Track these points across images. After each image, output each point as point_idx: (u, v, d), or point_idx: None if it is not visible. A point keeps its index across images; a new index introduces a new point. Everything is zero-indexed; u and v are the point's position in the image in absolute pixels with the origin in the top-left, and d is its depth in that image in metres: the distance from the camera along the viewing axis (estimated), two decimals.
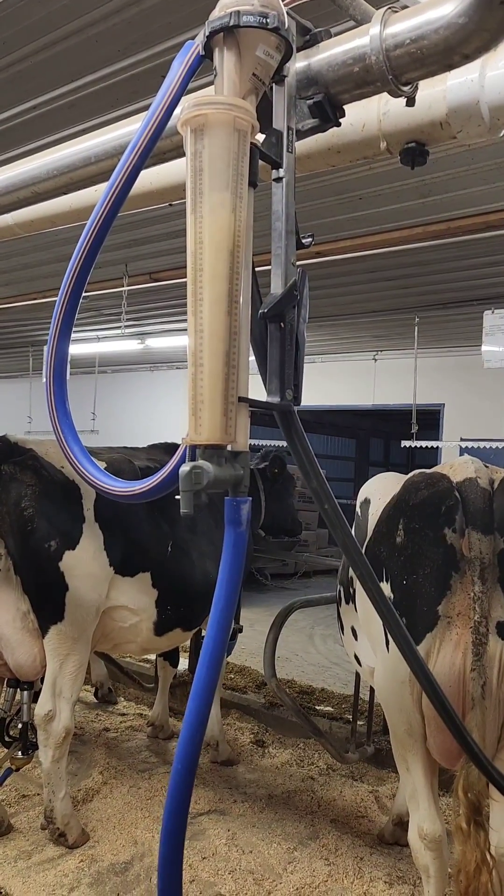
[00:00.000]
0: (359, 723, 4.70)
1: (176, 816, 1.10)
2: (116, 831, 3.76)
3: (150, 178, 1.99)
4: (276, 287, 1.18)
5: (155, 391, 12.32)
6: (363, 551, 2.86)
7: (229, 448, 1.08)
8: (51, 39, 2.92)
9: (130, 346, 9.41)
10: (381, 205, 4.59)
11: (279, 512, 5.50)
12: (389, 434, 18.86)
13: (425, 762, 2.69)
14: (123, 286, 6.01)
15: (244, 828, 3.82)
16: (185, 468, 1.05)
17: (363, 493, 3.06)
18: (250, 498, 1.09)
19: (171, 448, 4.61)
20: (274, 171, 1.22)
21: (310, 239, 1.25)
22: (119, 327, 7.61)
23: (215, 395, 1.04)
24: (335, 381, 10.99)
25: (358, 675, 4.36)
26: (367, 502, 2.98)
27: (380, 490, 2.95)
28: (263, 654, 3.85)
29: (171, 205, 2.15)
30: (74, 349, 8.96)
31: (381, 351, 9.99)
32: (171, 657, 5.09)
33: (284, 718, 5.19)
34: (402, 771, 2.78)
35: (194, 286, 1.07)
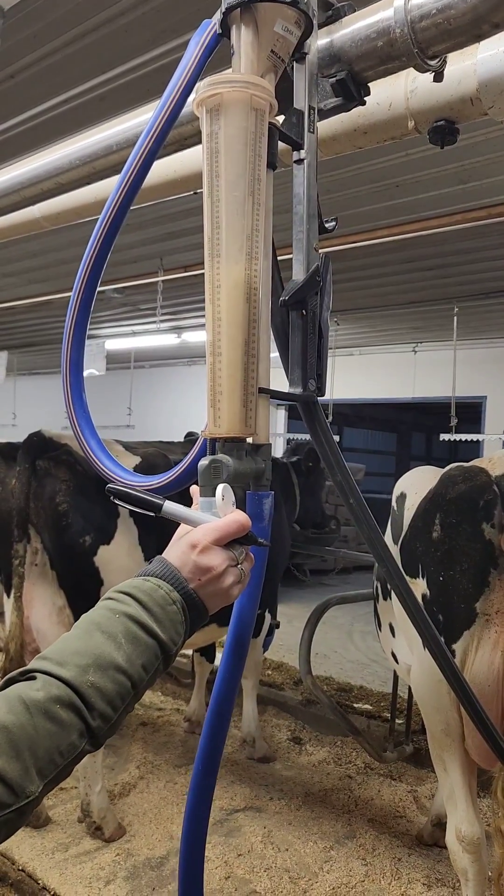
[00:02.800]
0: (397, 721, 4.62)
1: (199, 805, 1.07)
2: (153, 826, 3.76)
3: (174, 166, 1.96)
4: (298, 273, 1.13)
5: (192, 385, 12.33)
6: (399, 546, 2.80)
7: (250, 441, 1.04)
8: (80, 31, 2.90)
9: (167, 340, 9.42)
10: (419, 192, 4.48)
11: (311, 505, 5.44)
12: (431, 428, 18.60)
13: (463, 762, 2.62)
14: (159, 279, 6.00)
15: (280, 825, 3.79)
16: (203, 462, 1.01)
17: (399, 487, 2.99)
18: (272, 492, 1.05)
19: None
20: (295, 152, 1.17)
21: (333, 223, 1.20)
22: (155, 321, 7.61)
23: (234, 386, 1.00)
24: (374, 374, 10.86)
25: (396, 673, 4.29)
26: (402, 497, 2.91)
27: (416, 484, 2.87)
28: (299, 651, 3.80)
29: (195, 193, 2.11)
30: (110, 345, 9.03)
31: (421, 343, 9.81)
32: (207, 653, 5.08)
33: (322, 716, 5.14)
34: (440, 771, 2.72)
35: (212, 272, 1.03)
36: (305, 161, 1.16)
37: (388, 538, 2.95)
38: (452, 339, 7.65)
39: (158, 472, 4.01)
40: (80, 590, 3.51)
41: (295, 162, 1.17)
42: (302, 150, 1.16)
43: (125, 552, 3.55)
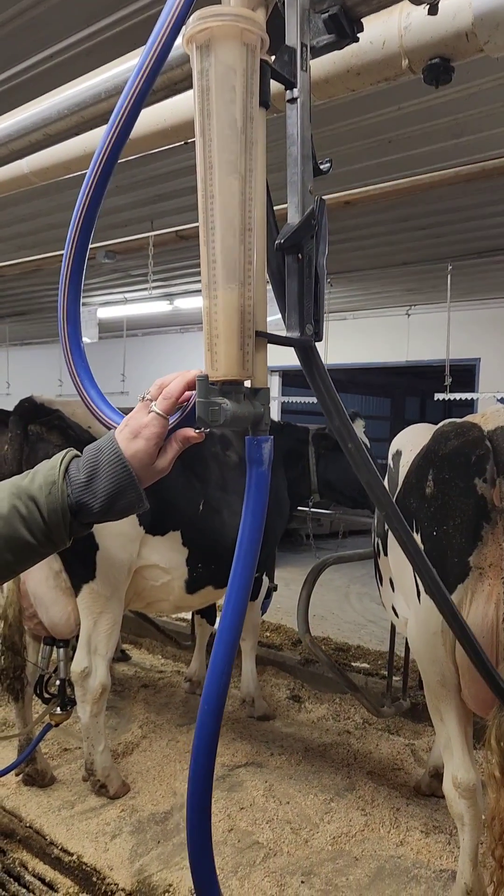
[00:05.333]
0: (395, 678, 4.69)
1: (204, 756, 1.08)
2: (156, 783, 3.83)
3: (164, 114, 1.91)
4: (293, 216, 1.12)
5: (185, 353, 12.26)
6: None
7: (248, 385, 1.03)
8: None
9: (159, 307, 9.34)
10: (412, 147, 4.41)
11: (338, 479, 5.34)
12: (425, 392, 18.59)
13: (459, 712, 2.67)
14: (149, 244, 5.92)
15: (281, 779, 3.86)
16: (202, 405, 1.01)
17: (395, 444, 3.00)
18: (271, 437, 1.04)
19: None
20: (287, 91, 1.14)
21: (328, 164, 1.18)
22: (146, 288, 7.53)
23: (231, 329, 0.99)
24: (368, 338, 10.80)
25: (394, 630, 4.34)
26: (398, 454, 2.92)
27: (411, 441, 2.88)
28: (297, 611, 3.84)
29: (186, 143, 2.08)
30: (102, 312, 8.94)
31: (415, 305, 9.75)
32: (208, 614, 5.13)
33: (320, 675, 5.22)
34: (437, 721, 2.76)
35: (205, 214, 1.01)
36: (298, 100, 1.13)
37: None
38: (446, 300, 7.60)
39: None
40: (76, 554, 3.52)
41: (288, 102, 1.15)
42: (295, 89, 1.13)
43: None
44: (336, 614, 7.71)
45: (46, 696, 3.65)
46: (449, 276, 7.28)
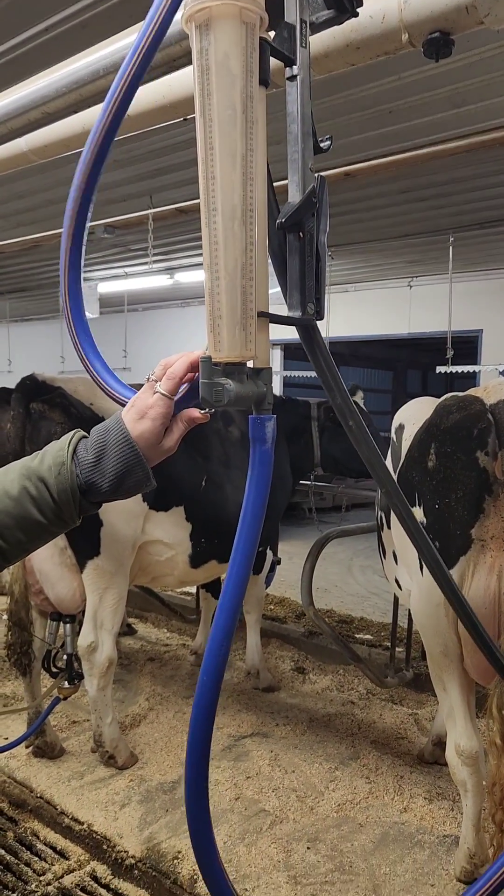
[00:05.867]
0: (398, 649, 4.76)
1: (202, 727, 1.11)
2: (163, 754, 3.90)
3: (162, 90, 1.90)
4: (294, 195, 1.12)
5: (186, 327, 12.22)
6: (397, 477, 2.83)
7: (250, 365, 1.05)
8: None
9: (159, 281, 9.29)
10: (412, 118, 4.36)
11: (340, 451, 5.37)
12: (427, 365, 18.53)
13: (461, 682, 2.72)
14: (149, 219, 5.87)
15: (286, 749, 3.94)
16: (205, 386, 1.02)
17: (397, 418, 3.01)
18: (274, 416, 1.06)
19: None
20: (287, 68, 1.14)
21: (328, 142, 1.17)
22: (147, 262, 7.49)
23: (233, 310, 1.00)
24: (370, 310, 10.75)
25: (396, 602, 4.39)
26: (401, 428, 2.93)
27: (414, 415, 2.89)
28: (301, 584, 3.88)
29: (185, 119, 2.06)
30: (102, 288, 8.91)
31: (417, 277, 9.68)
32: (213, 589, 5.18)
33: (324, 646, 5.28)
34: (439, 691, 2.81)
35: (206, 195, 1.02)
36: (298, 77, 1.13)
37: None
38: (448, 272, 7.55)
39: None
40: (81, 531, 3.55)
41: (288, 79, 1.14)
42: (294, 66, 1.13)
43: None
44: (339, 587, 7.77)
45: (54, 670, 3.70)
46: (451, 248, 7.22)
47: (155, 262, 7.93)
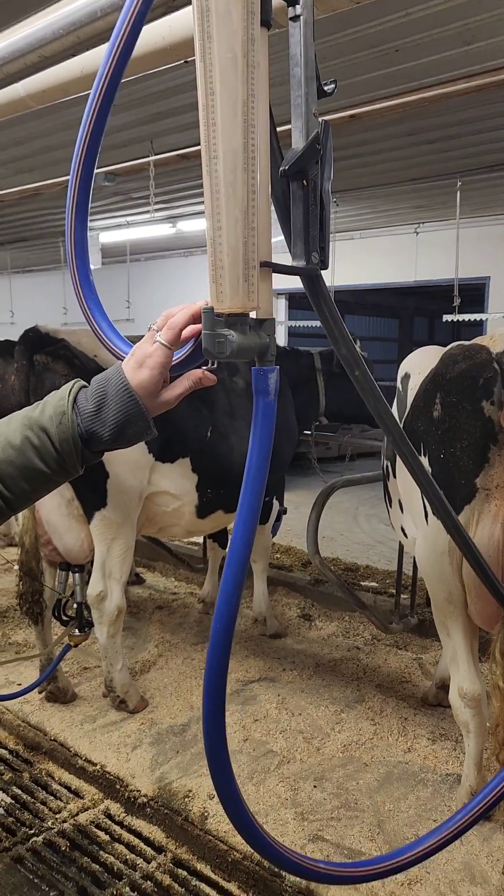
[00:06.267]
0: (403, 596, 4.83)
1: (217, 668, 1.14)
2: (173, 698, 4.00)
3: (162, 31, 1.84)
4: (297, 141, 1.09)
5: (189, 277, 12.08)
6: (402, 427, 2.83)
7: (253, 315, 1.04)
8: None
9: (162, 230, 9.15)
10: (420, 56, 4.22)
11: (346, 398, 5.37)
12: (433, 312, 18.33)
13: (465, 627, 2.77)
14: (150, 165, 5.75)
15: (293, 693, 4.03)
16: (207, 337, 1.02)
17: (403, 367, 3.00)
18: (277, 367, 1.06)
19: None
20: (290, 8, 1.10)
21: (332, 86, 1.14)
22: (149, 210, 7.36)
23: (236, 260, 0.98)
24: (375, 258, 10.59)
25: (402, 550, 4.45)
26: (406, 377, 2.92)
27: (419, 364, 2.88)
28: (307, 533, 3.92)
29: (186, 62, 2.00)
30: (105, 238, 8.79)
31: (424, 223, 9.50)
32: (220, 538, 5.24)
33: (330, 594, 5.37)
34: (444, 636, 2.87)
35: (207, 142, 0.99)
36: (301, 17, 1.09)
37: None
38: (455, 216, 7.40)
39: None
40: (87, 482, 3.58)
41: (290, 20, 1.11)
42: (297, 6, 1.09)
43: None
44: (345, 535, 7.85)
45: (65, 618, 3.78)
46: (458, 192, 7.07)
47: (157, 210, 7.80)
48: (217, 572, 5.32)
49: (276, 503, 4.89)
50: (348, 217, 9.29)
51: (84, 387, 1.15)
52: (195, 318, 1.09)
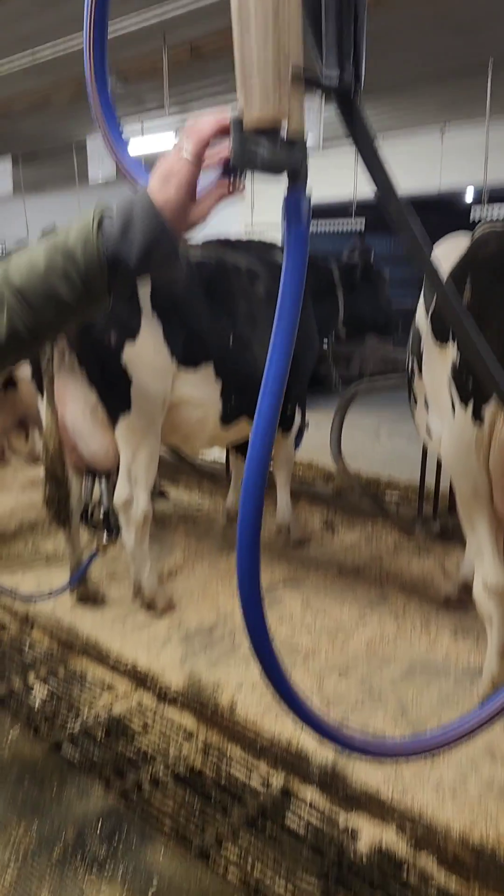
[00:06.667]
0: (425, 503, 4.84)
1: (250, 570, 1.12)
2: (200, 601, 4.08)
3: None
4: None
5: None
6: (430, 315, 2.75)
7: (284, 130, 0.97)
8: None
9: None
10: None
11: (367, 308, 5.25)
12: (458, 227, 17.72)
13: (490, 521, 2.76)
14: (163, 61, 5.49)
15: (317, 594, 4.09)
16: (236, 146, 0.96)
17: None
18: (310, 193, 0.99)
19: (225, 243, 4.44)
20: None
21: None
22: (163, 115, 7.08)
23: (265, 62, 0.91)
24: (397, 164, 10.13)
25: (425, 455, 4.41)
26: None
27: (449, 251, 2.77)
28: (330, 436, 3.90)
29: None
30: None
31: (450, 122, 9.04)
32: (243, 450, 5.23)
33: (352, 503, 5.38)
34: (468, 531, 2.86)
35: None
36: None
37: (420, 310, 2.90)
38: (485, 114, 7.03)
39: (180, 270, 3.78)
40: (111, 388, 3.56)
41: None
42: None
43: (151, 349, 3.55)
44: (366, 451, 7.82)
45: (92, 524, 3.83)
46: (489, 83, 6.65)
47: (172, 114, 7.48)
48: (241, 483, 5.33)
49: (298, 414, 4.84)
50: (368, 117, 8.86)
51: (109, 210, 1.09)
52: (222, 130, 1.02)
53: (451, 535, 4.71)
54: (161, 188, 1.03)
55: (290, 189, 0.99)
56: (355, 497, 5.11)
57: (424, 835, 2.40)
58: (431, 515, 4.92)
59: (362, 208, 9.68)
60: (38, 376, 3.70)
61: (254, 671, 3.33)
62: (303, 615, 3.86)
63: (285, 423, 4.71)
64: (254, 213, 10.73)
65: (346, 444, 4.99)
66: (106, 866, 2.33)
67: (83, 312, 1.10)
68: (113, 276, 1.05)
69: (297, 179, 0.98)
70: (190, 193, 1.03)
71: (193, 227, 1.06)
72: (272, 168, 0.94)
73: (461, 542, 4.62)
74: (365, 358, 8.44)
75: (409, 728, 2.89)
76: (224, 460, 5.86)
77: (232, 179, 1.06)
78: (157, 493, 5.90)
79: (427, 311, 2.79)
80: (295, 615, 3.87)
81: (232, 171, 1.03)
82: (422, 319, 2.90)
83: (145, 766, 2.80)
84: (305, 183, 0.99)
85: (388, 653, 3.47)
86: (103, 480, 3.82)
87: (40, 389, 3.71)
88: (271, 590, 4.17)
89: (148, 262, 1.04)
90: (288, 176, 0.98)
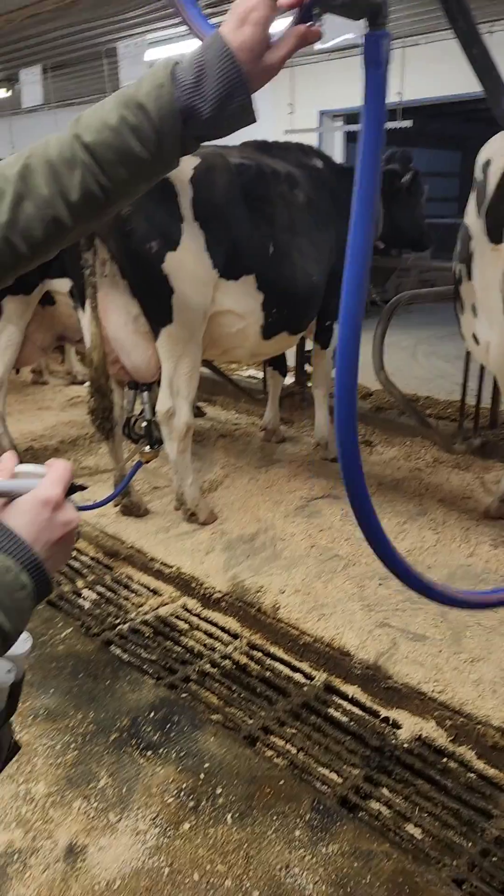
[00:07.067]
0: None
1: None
2: (241, 512, 4.15)
3: None
4: None
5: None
6: (485, 214, 2.66)
7: None
8: None
9: None
10: None
11: (405, 220, 5.08)
12: None
13: None
14: None
15: None
16: None
17: (483, 154, 2.78)
18: (390, 33, 0.95)
19: (262, 145, 4.30)
20: None
21: None
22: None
23: None
24: (441, 68, 9.59)
25: (467, 366, 4.35)
26: (488, 163, 2.71)
27: (502, 148, 2.66)
28: (372, 348, 3.85)
29: None
30: (150, 54, 8.14)
31: (500, 21, 8.47)
32: (280, 367, 5.21)
33: (391, 420, 5.37)
34: None
35: None
36: None
37: (471, 211, 2.81)
38: None
39: (216, 172, 3.72)
40: (153, 297, 3.54)
41: None
42: None
43: (193, 258, 3.51)
44: (403, 371, 7.73)
45: (134, 436, 3.88)
46: None
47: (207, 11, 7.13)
48: (277, 401, 5.33)
49: (336, 328, 4.78)
50: (408, 18, 8.33)
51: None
52: None
53: (492, 451, 4.69)
54: (237, 30, 0.97)
55: (370, 25, 0.94)
56: (398, 405, 5.06)
57: (464, 726, 2.49)
58: (472, 431, 4.89)
59: (408, 111, 9.22)
60: (79, 290, 3.69)
61: (296, 576, 3.42)
62: (342, 525, 3.91)
63: (324, 338, 4.66)
64: (293, 119, 10.42)
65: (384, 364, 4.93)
66: (159, 750, 2.46)
67: (155, 171, 1.07)
68: (186, 128, 1.02)
69: (377, 20, 0.94)
70: (266, 33, 0.98)
71: (267, 76, 1.02)
72: (351, 8, 0.90)
73: (502, 457, 4.62)
74: (401, 276, 8.19)
75: (448, 630, 2.96)
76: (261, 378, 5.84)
77: (308, 24, 1.00)
78: (194, 410, 5.92)
79: (479, 212, 2.71)
80: (334, 525, 3.93)
81: (308, 15, 0.98)
82: (472, 219, 2.81)
83: (193, 663, 2.92)
84: (385, 21, 0.94)
85: (428, 561, 3.52)
86: (145, 393, 3.84)
87: (81, 304, 3.71)
88: (310, 503, 4.22)
89: (223, 111, 1.00)
90: (367, 17, 0.93)
